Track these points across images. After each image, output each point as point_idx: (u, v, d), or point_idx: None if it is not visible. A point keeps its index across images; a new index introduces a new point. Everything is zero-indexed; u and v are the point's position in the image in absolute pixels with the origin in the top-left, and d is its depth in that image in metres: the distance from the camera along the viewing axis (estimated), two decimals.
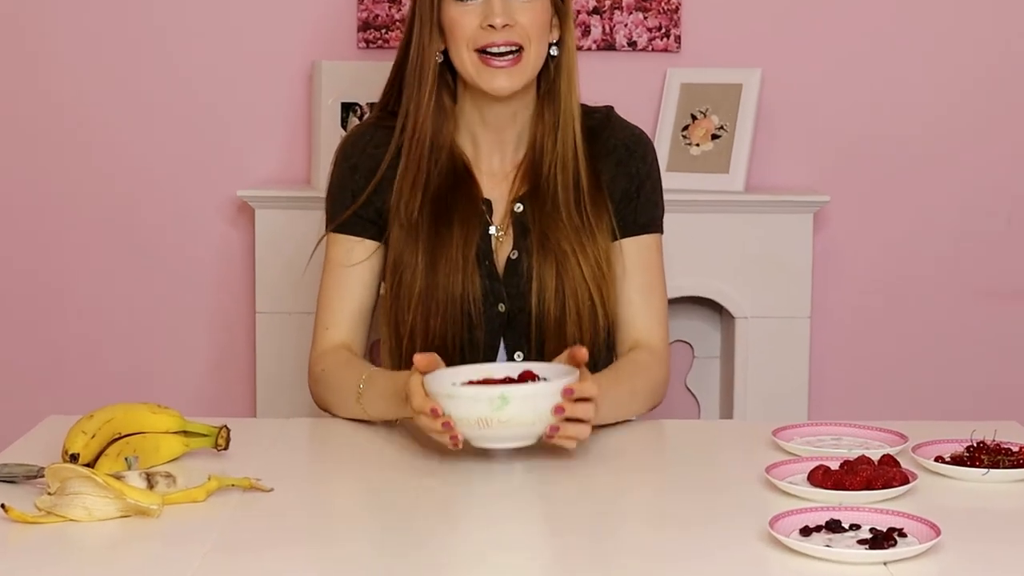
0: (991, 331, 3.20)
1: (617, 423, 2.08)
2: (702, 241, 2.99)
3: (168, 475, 1.64)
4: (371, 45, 3.11)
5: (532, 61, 2.01)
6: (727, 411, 3.12)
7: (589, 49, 3.11)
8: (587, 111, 2.10)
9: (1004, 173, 3.17)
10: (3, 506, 1.55)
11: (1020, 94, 3.15)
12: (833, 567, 1.41)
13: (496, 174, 2.10)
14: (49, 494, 1.58)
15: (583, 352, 1.79)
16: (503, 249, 2.06)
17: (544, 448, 1.91)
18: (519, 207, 2.06)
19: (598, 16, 3.11)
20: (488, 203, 2.08)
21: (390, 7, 3.09)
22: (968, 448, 1.76)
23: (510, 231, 2.06)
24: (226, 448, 1.80)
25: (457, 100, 2.09)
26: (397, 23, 3.09)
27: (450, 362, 2.04)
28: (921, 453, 1.77)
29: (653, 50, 3.13)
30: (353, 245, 2.07)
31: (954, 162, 3.16)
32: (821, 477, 1.63)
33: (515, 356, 2.06)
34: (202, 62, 3.14)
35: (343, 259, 2.07)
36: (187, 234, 3.17)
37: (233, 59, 3.14)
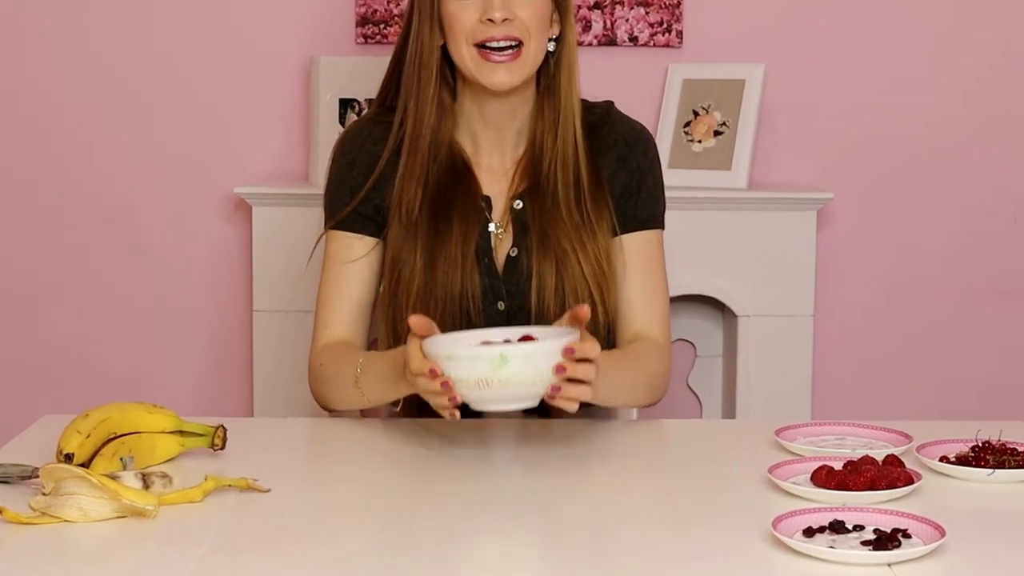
0: (996, 329, 3.20)
1: (617, 420, 2.08)
2: (704, 239, 2.99)
3: (164, 475, 1.64)
4: (369, 40, 3.11)
5: (532, 56, 2.01)
6: (729, 410, 3.12)
7: (590, 44, 3.11)
8: (587, 106, 2.10)
9: (1009, 170, 3.17)
10: None
11: (1023, 91, 3.16)
12: (837, 568, 1.41)
13: (496, 170, 2.10)
14: (43, 495, 1.58)
15: (585, 310, 1.78)
16: (503, 246, 2.06)
17: (544, 448, 1.91)
18: (519, 204, 2.06)
19: (599, 11, 3.11)
20: (488, 200, 2.07)
21: (388, 2, 3.09)
22: (973, 448, 1.75)
23: (510, 228, 2.06)
24: (223, 448, 1.79)
25: (456, 96, 2.09)
26: (396, 18, 3.09)
27: None
28: (925, 453, 1.77)
29: (655, 45, 3.13)
30: (352, 242, 2.07)
31: (959, 159, 3.16)
32: (824, 477, 1.63)
33: None
34: (199, 58, 3.14)
35: (342, 256, 2.07)
36: (184, 231, 3.17)
37: (230, 55, 3.14)
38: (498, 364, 1.69)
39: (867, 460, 1.65)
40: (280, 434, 1.97)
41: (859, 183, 3.16)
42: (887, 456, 1.68)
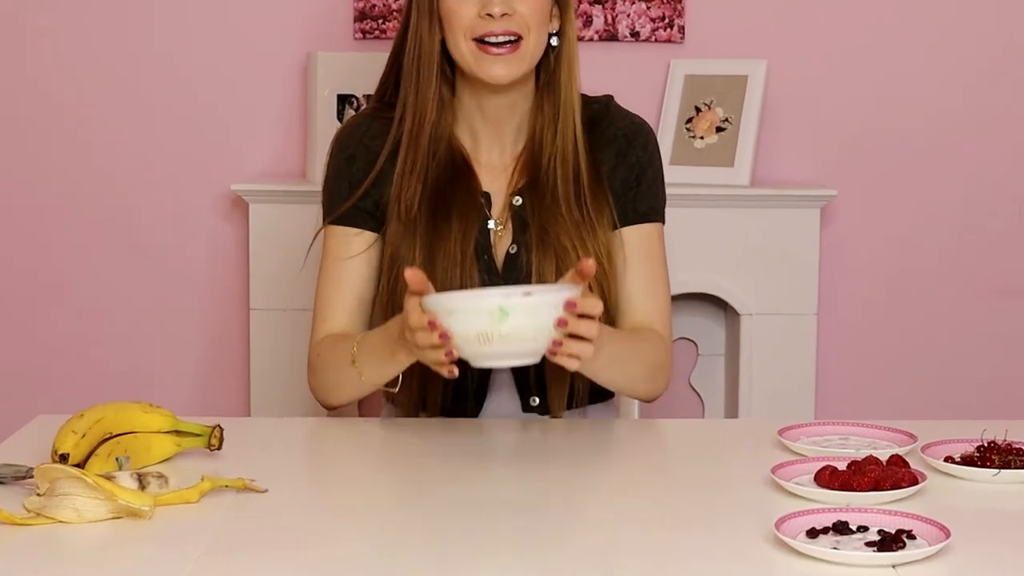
0: (1003, 327, 3.20)
1: (618, 420, 2.08)
2: (706, 236, 2.99)
3: (160, 476, 1.64)
4: (368, 36, 3.11)
5: (531, 50, 2.01)
6: (732, 410, 3.12)
7: (591, 40, 3.11)
8: (586, 101, 2.10)
9: (1014, 164, 3.17)
10: None
11: None
12: (841, 570, 1.41)
13: (495, 166, 2.09)
14: (38, 495, 1.58)
15: (590, 265, 1.77)
16: (502, 243, 2.06)
17: (544, 448, 1.91)
18: (518, 200, 2.06)
19: (600, 6, 3.11)
20: (487, 196, 2.07)
21: None
22: (979, 448, 1.75)
23: (509, 225, 2.06)
24: (219, 448, 1.79)
25: (455, 91, 2.08)
26: (394, 13, 3.09)
27: None
28: (930, 453, 1.77)
29: (656, 41, 3.13)
30: (351, 237, 2.07)
31: (963, 154, 3.16)
32: (828, 478, 1.63)
33: None
34: (196, 54, 3.14)
35: (341, 251, 2.07)
36: (180, 229, 3.17)
37: (227, 51, 3.14)
38: (499, 318, 1.67)
39: (871, 460, 1.65)
40: (277, 434, 1.97)
41: (863, 180, 3.16)
42: (891, 456, 1.68)
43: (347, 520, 1.61)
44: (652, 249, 2.08)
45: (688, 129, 3.08)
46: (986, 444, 1.75)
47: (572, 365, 1.77)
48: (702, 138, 3.07)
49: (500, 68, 1.99)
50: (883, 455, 1.70)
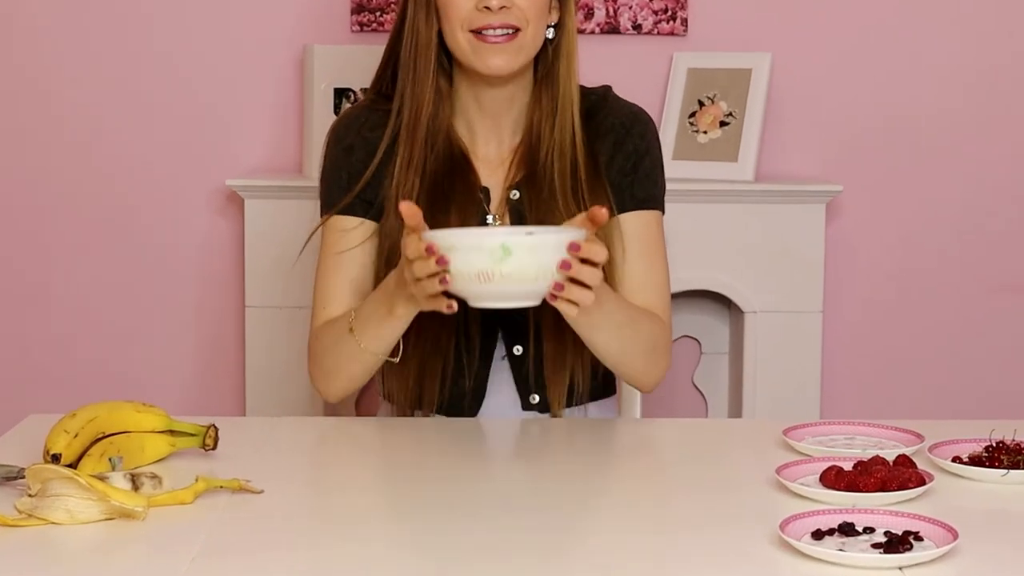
0: (1012, 325, 3.20)
1: (620, 419, 2.08)
2: (709, 233, 2.99)
3: (154, 476, 1.64)
4: (365, 28, 3.11)
5: (529, 41, 2.01)
6: (736, 409, 3.12)
7: (592, 32, 3.11)
8: (584, 92, 2.10)
9: (1021, 160, 3.16)
10: None
11: None
12: (846, 572, 1.41)
13: (492, 160, 2.09)
14: (30, 496, 1.58)
15: (603, 213, 1.77)
16: None
17: (544, 447, 1.91)
18: (515, 194, 2.06)
19: None
20: (485, 191, 2.07)
21: None
22: (987, 448, 1.75)
23: (507, 219, 2.06)
24: (214, 448, 1.79)
25: (453, 84, 2.09)
26: (392, 5, 3.09)
27: (445, 362, 2.04)
28: (938, 453, 1.77)
29: (659, 33, 3.13)
30: (352, 227, 2.06)
31: (971, 149, 3.16)
32: (834, 478, 1.63)
33: (514, 350, 2.06)
34: (190, 47, 3.14)
35: (341, 241, 2.06)
36: (174, 225, 3.17)
37: (222, 44, 3.14)
38: (500, 256, 1.66)
39: (878, 460, 1.65)
40: (273, 434, 1.97)
41: (869, 175, 3.16)
42: (898, 456, 1.68)
43: (344, 521, 1.61)
44: (651, 237, 2.08)
45: (691, 123, 3.08)
46: (995, 444, 1.75)
47: (571, 311, 1.76)
48: (705, 133, 3.06)
49: (498, 59, 1.99)
50: (890, 455, 1.70)
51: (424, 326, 2.00)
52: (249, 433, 1.95)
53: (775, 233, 2.99)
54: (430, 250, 1.70)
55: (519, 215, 2.05)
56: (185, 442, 1.79)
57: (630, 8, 3.11)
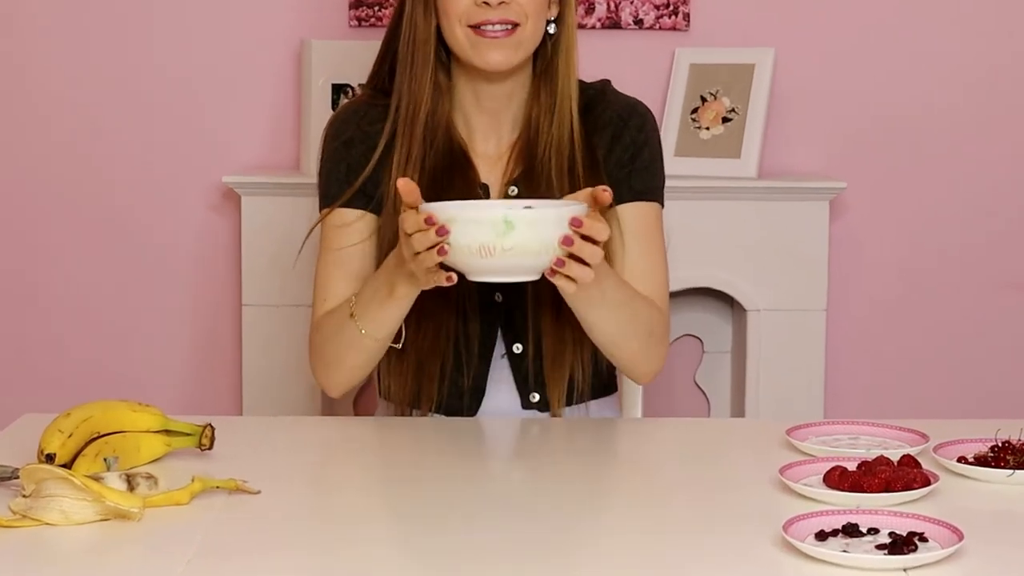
0: (1018, 324, 3.20)
1: (621, 419, 2.08)
2: (712, 230, 2.99)
3: (149, 476, 1.64)
4: (363, 23, 3.11)
5: (528, 36, 2.01)
6: (738, 409, 3.12)
7: (593, 27, 3.11)
8: (582, 87, 2.10)
9: None
10: None
11: None
12: (850, 573, 1.41)
13: (491, 156, 2.10)
14: (24, 496, 1.58)
15: (607, 196, 1.77)
16: None
17: (544, 448, 1.91)
18: (513, 191, 2.06)
19: None
20: (485, 188, 2.07)
21: None
22: (992, 448, 1.75)
23: None
24: (210, 448, 1.79)
25: (451, 80, 2.08)
26: (389, 0, 3.09)
27: (444, 359, 2.04)
28: (943, 453, 1.77)
29: (661, 28, 3.13)
30: (350, 220, 2.06)
31: (977, 145, 3.16)
32: (838, 479, 1.63)
33: (514, 348, 2.06)
34: (186, 42, 3.14)
35: (342, 235, 2.06)
36: (169, 222, 3.17)
37: (218, 38, 3.14)
38: (502, 230, 1.65)
39: (882, 460, 1.65)
40: (270, 434, 1.97)
41: (874, 171, 3.16)
42: (903, 456, 1.68)
43: (342, 522, 1.61)
44: (649, 228, 2.08)
45: (693, 119, 3.08)
46: (1000, 444, 1.75)
47: (569, 288, 1.77)
48: (708, 129, 3.06)
49: (497, 54, 1.99)
50: (894, 455, 1.70)
51: (423, 323, 2.00)
52: (246, 433, 1.95)
53: (778, 230, 2.99)
54: (429, 221, 1.70)
55: None
56: (181, 442, 1.79)
57: (631, 3, 3.11)
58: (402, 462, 1.86)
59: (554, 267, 1.73)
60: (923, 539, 1.46)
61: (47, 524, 1.55)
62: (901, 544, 1.44)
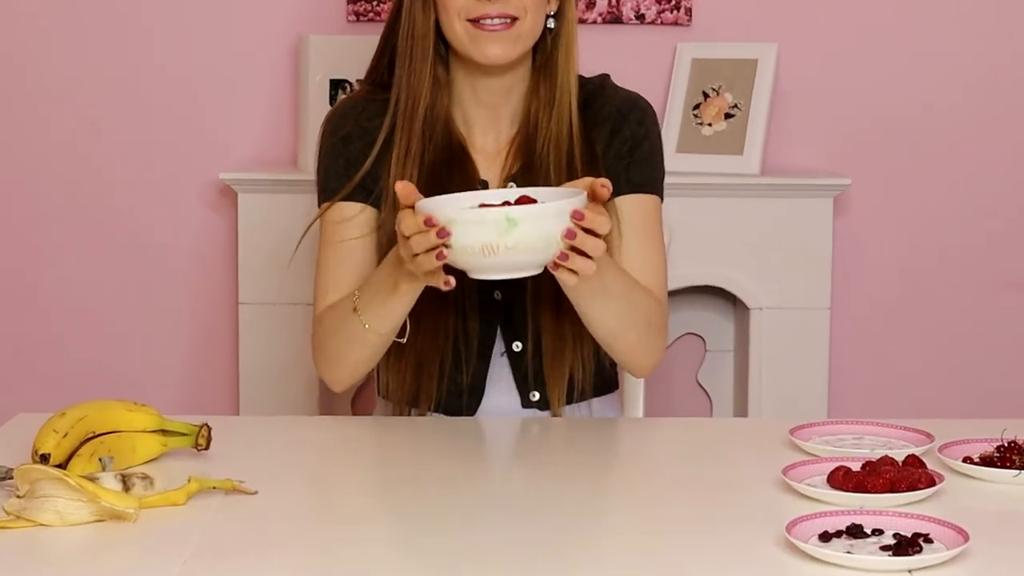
0: (1019, 323, 3.19)
1: (622, 418, 2.08)
2: (714, 227, 2.99)
3: (145, 477, 1.64)
4: (361, 18, 3.11)
5: (527, 30, 2.01)
6: (741, 408, 3.12)
7: (594, 22, 3.10)
8: (581, 82, 2.10)
9: None
10: None
11: None
12: (855, 575, 1.41)
13: (489, 152, 2.10)
14: (18, 497, 1.58)
15: (607, 191, 1.78)
16: None
17: (545, 448, 1.91)
18: (512, 185, 2.06)
19: None
20: (484, 184, 2.07)
21: None
22: (998, 448, 1.75)
23: None
24: (207, 448, 1.79)
25: (450, 74, 2.08)
26: None
27: (443, 357, 2.04)
28: (948, 453, 1.77)
29: (662, 23, 3.12)
30: (350, 214, 2.06)
31: (982, 142, 3.16)
32: (841, 479, 1.63)
33: (513, 346, 2.06)
34: (183, 37, 3.14)
35: (341, 229, 2.06)
36: (166, 220, 3.17)
37: (215, 33, 3.14)
38: (505, 228, 1.65)
39: (886, 461, 1.65)
40: (267, 433, 1.97)
41: (878, 168, 3.16)
42: (907, 456, 1.68)
43: (340, 523, 1.61)
44: (647, 220, 2.08)
45: (695, 115, 3.08)
46: (1006, 444, 1.75)
47: (571, 281, 1.77)
48: (710, 125, 3.06)
49: (495, 48, 1.99)
50: (899, 455, 1.69)
51: (422, 321, 2.00)
52: (243, 433, 1.95)
53: (781, 228, 2.99)
54: (429, 222, 1.70)
55: None
56: (177, 442, 1.79)
57: None
58: (401, 462, 1.86)
59: (557, 260, 1.73)
60: (928, 540, 1.46)
61: (42, 525, 1.55)
62: (906, 545, 1.44)
